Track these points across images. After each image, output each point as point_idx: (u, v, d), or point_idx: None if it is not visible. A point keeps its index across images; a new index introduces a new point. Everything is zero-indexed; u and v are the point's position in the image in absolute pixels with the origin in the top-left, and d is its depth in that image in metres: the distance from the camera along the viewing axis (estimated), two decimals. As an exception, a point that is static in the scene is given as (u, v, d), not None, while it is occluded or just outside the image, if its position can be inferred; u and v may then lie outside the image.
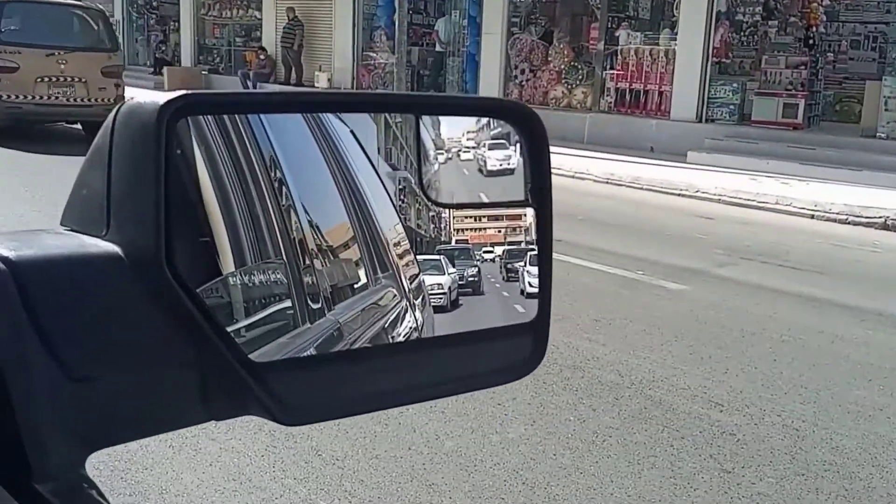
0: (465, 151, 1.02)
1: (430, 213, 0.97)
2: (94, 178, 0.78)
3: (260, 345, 0.80)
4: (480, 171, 1.05)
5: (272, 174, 0.86)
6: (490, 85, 19.67)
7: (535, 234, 1.03)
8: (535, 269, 1.04)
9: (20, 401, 0.69)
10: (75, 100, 14.60)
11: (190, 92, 0.78)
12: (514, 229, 1.05)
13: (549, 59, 19.56)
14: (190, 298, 0.74)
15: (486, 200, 1.07)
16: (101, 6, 16.51)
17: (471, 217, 1.03)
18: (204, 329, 0.74)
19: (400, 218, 0.96)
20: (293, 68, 23.98)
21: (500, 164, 1.03)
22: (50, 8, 15.10)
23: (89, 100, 14.60)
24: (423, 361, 0.92)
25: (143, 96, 0.78)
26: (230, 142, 0.82)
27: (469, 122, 1.05)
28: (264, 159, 0.85)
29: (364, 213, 0.94)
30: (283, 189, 0.87)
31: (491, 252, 1.05)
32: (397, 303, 0.95)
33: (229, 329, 0.77)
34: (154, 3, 30.53)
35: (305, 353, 0.84)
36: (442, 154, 0.98)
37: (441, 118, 0.99)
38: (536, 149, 1.00)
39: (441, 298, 0.98)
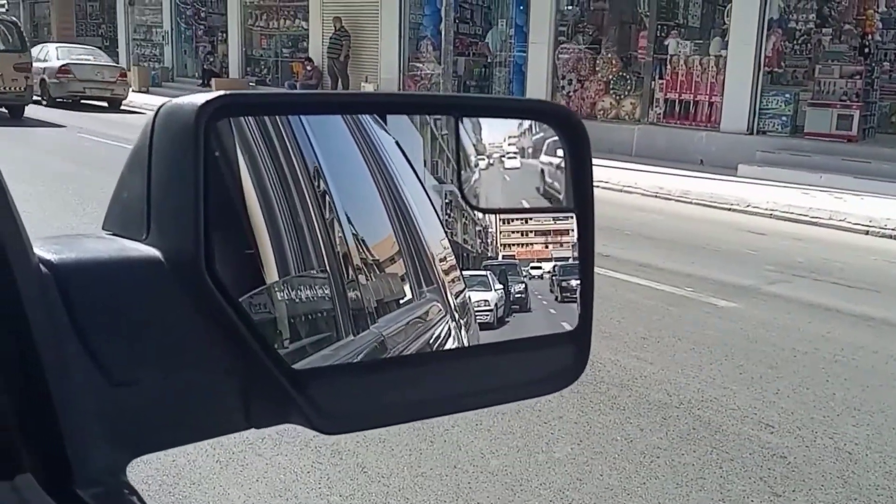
0: (510, 158, 1.00)
1: (477, 228, 0.96)
2: (134, 181, 0.78)
3: (303, 356, 0.79)
4: (546, 197, 1.01)
5: (316, 183, 0.85)
6: (536, 95, 19.59)
7: (576, 241, 1.00)
8: None
9: (62, 404, 0.68)
10: None
11: (229, 92, 0.77)
12: (561, 244, 1.03)
13: (597, 68, 19.48)
14: (229, 304, 0.73)
15: (527, 206, 1.04)
16: (13, 18, 21.18)
17: (517, 232, 1.01)
18: (244, 335, 0.73)
19: (446, 232, 0.95)
20: (339, 79, 24.12)
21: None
22: (-26, 20, 20.25)
23: (4, 88, 19.50)
24: (463, 370, 0.90)
25: (183, 97, 0.77)
26: (274, 149, 0.82)
27: (511, 127, 1.02)
28: (308, 168, 0.84)
29: (409, 226, 0.93)
30: (328, 199, 0.86)
31: (539, 268, 1.02)
32: (442, 318, 0.93)
33: (268, 335, 0.76)
34: (202, 15, 30.85)
35: (345, 362, 0.83)
36: (483, 160, 0.96)
37: (482, 122, 0.97)
38: (579, 154, 0.98)
39: (487, 315, 0.96)
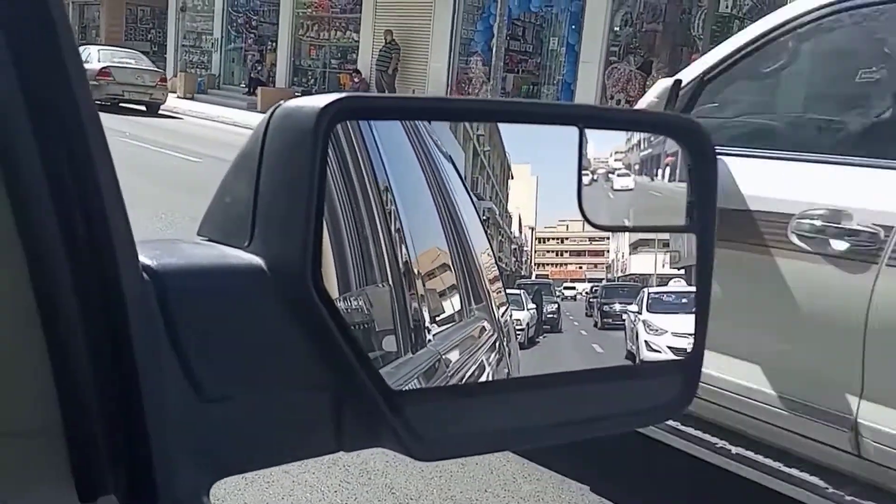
0: (621, 176, 0.96)
1: (512, 247, 0.93)
2: (240, 186, 0.75)
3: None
4: None
5: (384, 195, 0.83)
6: (584, 115, 19.53)
7: (694, 262, 0.97)
8: (656, 318, 0.97)
9: (154, 422, 0.65)
10: None
11: (350, 94, 0.74)
12: (596, 266, 0.99)
13: (646, 89, 19.30)
14: (333, 318, 0.70)
15: (629, 225, 1.02)
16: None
17: (552, 251, 0.96)
18: (344, 352, 0.70)
19: (491, 249, 0.92)
20: (386, 92, 24.18)
21: None
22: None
23: None
24: (564, 398, 0.87)
25: (299, 99, 0.74)
26: (343, 158, 0.78)
27: (619, 141, 0.99)
28: (377, 179, 0.82)
29: (462, 243, 0.91)
30: (394, 211, 0.83)
31: (572, 289, 0.98)
32: (489, 336, 0.91)
33: (371, 356, 0.73)
34: (253, 23, 31.12)
35: (442, 384, 0.82)
36: (587, 175, 0.92)
37: (589, 135, 0.92)
38: (704, 171, 0.94)
39: (519, 335, 0.93)
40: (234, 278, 0.72)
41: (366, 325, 0.77)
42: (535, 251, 0.94)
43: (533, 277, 0.95)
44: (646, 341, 0.99)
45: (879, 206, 2.83)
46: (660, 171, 1.00)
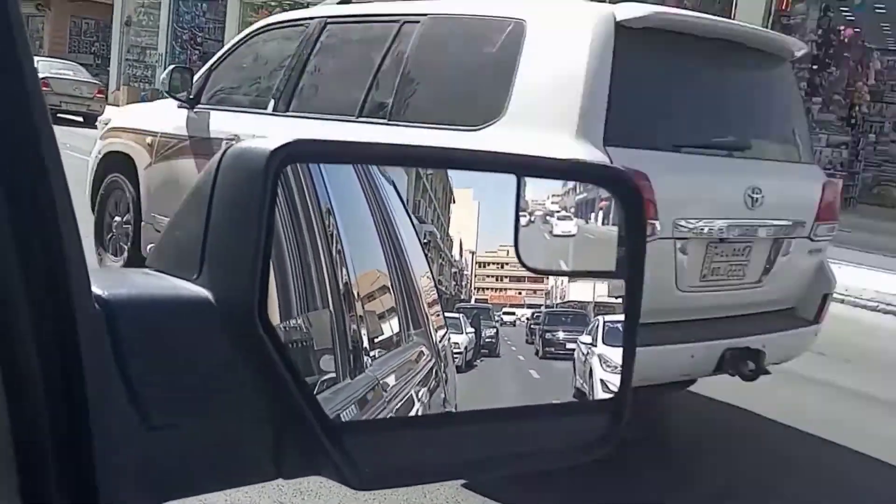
0: (562, 219, 0.98)
1: (452, 270, 0.94)
2: (191, 221, 0.77)
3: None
4: None
5: (327, 223, 0.85)
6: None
7: (623, 307, 0.98)
8: (614, 353, 0.97)
9: (100, 446, 0.66)
10: None
11: (299, 139, 0.77)
12: (535, 292, 1.00)
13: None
14: (276, 349, 0.72)
15: (565, 269, 1.03)
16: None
17: (492, 276, 0.98)
18: (287, 384, 0.72)
19: (431, 274, 0.94)
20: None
21: None
22: None
23: None
24: (500, 432, 0.89)
25: (250, 141, 0.78)
26: (290, 193, 0.81)
27: (556, 185, 1.02)
28: (321, 208, 0.84)
29: (402, 269, 0.92)
30: (335, 234, 0.86)
31: (511, 314, 0.98)
32: (427, 361, 0.92)
33: (311, 383, 0.75)
34: (198, 40, 30.79)
35: (382, 416, 0.83)
36: (525, 216, 0.95)
37: (527, 178, 0.96)
38: (634, 218, 0.97)
39: (457, 358, 0.94)
40: (182, 309, 0.74)
41: (305, 353, 0.79)
42: (476, 275, 0.95)
43: (472, 301, 0.96)
44: (602, 380, 0.97)
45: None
46: (593, 215, 1.02)
